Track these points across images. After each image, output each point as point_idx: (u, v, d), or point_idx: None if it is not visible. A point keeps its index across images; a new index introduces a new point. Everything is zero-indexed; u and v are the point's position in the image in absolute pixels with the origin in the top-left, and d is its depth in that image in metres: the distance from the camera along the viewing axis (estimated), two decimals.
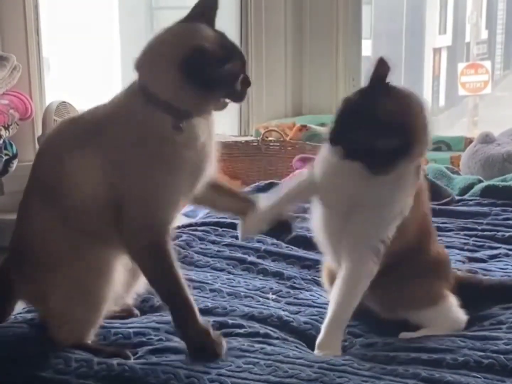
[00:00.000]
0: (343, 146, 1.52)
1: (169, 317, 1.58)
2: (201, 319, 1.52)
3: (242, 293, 1.87)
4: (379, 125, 1.48)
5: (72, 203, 1.51)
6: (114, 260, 1.55)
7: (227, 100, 1.55)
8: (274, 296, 1.89)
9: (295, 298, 1.84)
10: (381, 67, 1.54)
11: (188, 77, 1.47)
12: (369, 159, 1.49)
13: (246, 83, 1.53)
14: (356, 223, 1.61)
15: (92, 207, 1.51)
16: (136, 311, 1.75)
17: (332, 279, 1.74)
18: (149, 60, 1.52)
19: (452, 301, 1.72)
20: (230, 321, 1.69)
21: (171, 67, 1.48)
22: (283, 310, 1.79)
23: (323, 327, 1.60)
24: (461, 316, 1.71)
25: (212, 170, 1.60)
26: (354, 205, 1.59)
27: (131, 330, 1.62)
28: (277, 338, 1.60)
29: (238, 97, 1.55)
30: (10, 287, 1.58)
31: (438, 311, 1.69)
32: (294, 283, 1.97)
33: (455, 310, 1.71)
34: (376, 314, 1.74)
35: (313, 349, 1.59)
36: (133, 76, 1.55)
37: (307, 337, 1.66)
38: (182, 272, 1.54)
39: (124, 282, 1.60)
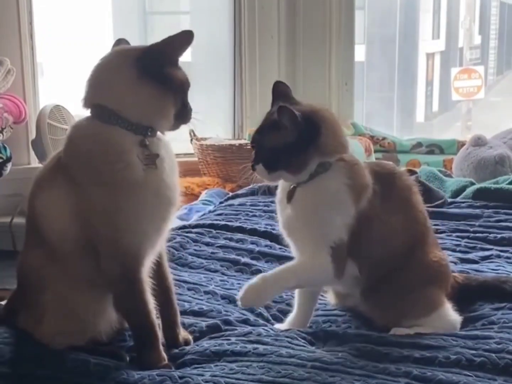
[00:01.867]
0: (263, 163, 1.64)
1: None
2: (161, 346, 1.52)
3: (236, 295, 1.87)
4: (278, 128, 1.61)
5: (51, 241, 1.50)
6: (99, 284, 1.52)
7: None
8: None
9: (287, 304, 1.85)
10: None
11: (144, 73, 1.44)
12: (282, 161, 1.62)
13: (189, 107, 1.54)
14: (300, 235, 1.66)
15: (68, 244, 1.49)
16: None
17: (338, 297, 1.85)
18: (100, 80, 1.49)
19: (448, 307, 1.71)
20: (223, 325, 1.70)
21: (125, 70, 1.46)
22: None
23: (260, 277, 1.61)
24: (456, 319, 1.71)
25: (179, 199, 1.57)
26: (293, 222, 1.66)
27: (126, 333, 1.63)
28: (269, 336, 1.60)
29: (188, 116, 1.54)
30: (15, 316, 1.59)
31: (434, 318, 1.69)
32: None
33: (450, 316, 1.71)
34: (373, 322, 1.74)
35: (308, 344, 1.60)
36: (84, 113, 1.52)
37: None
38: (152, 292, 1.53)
39: None
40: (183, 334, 1.63)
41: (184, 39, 1.50)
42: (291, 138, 1.60)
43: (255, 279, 1.60)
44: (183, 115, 1.53)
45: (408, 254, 1.70)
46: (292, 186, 1.67)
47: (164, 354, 1.52)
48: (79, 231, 1.47)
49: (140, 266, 1.49)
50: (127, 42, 1.56)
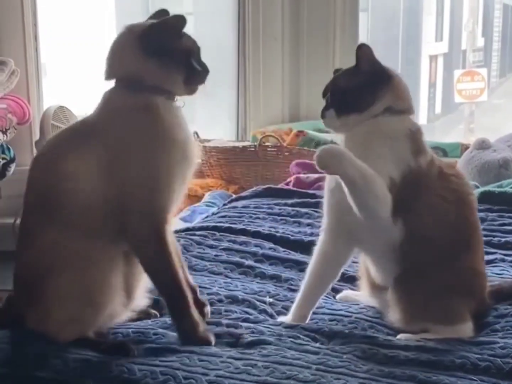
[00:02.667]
0: (334, 107, 1.71)
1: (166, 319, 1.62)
2: (194, 311, 1.58)
3: (240, 297, 1.87)
4: (353, 71, 1.71)
5: (72, 209, 1.52)
6: (116, 259, 1.56)
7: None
8: (271, 300, 1.90)
9: (291, 302, 1.84)
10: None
11: (147, 48, 1.59)
12: (353, 103, 1.69)
13: (206, 68, 1.66)
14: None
15: (93, 208, 1.52)
16: (154, 312, 1.75)
17: (372, 287, 1.82)
18: (115, 56, 1.64)
19: (468, 326, 1.69)
20: (225, 322, 1.69)
21: (132, 48, 1.60)
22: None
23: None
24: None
25: (198, 159, 1.68)
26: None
27: (130, 330, 1.63)
28: (272, 335, 1.60)
29: (198, 77, 1.65)
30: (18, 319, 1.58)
31: (449, 331, 1.67)
32: (291, 284, 1.98)
33: (465, 335, 1.67)
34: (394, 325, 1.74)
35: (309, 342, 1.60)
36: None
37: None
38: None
39: (128, 285, 1.61)
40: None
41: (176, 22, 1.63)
42: (365, 77, 1.68)
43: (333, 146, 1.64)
44: (191, 79, 1.65)
45: (451, 250, 1.69)
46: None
47: (201, 324, 1.57)
48: (112, 191, 1.53)
49: (166, 224, 1.57)
50: (167, 13, 1.68)
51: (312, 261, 1.78)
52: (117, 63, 1.64)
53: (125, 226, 1.54)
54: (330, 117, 1.72)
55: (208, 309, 1.74)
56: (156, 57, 1.59)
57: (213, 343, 1.55)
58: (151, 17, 1.69)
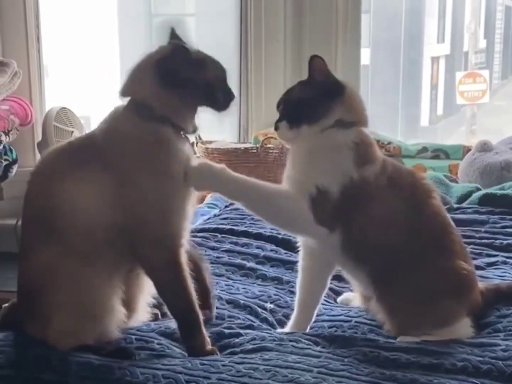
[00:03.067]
0: (286, 119, 1.71)
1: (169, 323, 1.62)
2: (204, 328, 1.58)
3: (241, 302, 1.87)
4: (305, 83, 1.72)
5: (71, 231, 1.50)
6: (116, 277, 1.56)
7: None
8: (272, 306, 1.90)
9: (292, 309, 1.84)
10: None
11: (162, 77, 1.54)
12: (305, 114, 1.68)
13: (230, 95, 1.62)
14: (292, 171, 1.69)
15: (94, 232, 1.50)
16: (156, 311, 1.76)
17: (362, 296, 1.86)
18: (133, 75, 1.59)
19: (464, 323, 1.70)
20: (227, 331, 1.69)
21: (148, 71, 1.55)
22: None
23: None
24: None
25: None
26: (288, 166, 1.72)
27: (133, 337, 1.63)
28: (273, 341, 1.60)
29: (220, 107, 1.61)
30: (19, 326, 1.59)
31: (446, 333, 1.67)
32: (293, 287, 1.97)
33: (465, 334, 1.68)
34: (384, 327, 1.74)
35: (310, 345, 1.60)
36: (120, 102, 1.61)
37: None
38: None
39: (130, 298, 1.61)
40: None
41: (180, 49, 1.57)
42: (317, 89, 1.68)
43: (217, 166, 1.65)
44: (216, 106, 1.61)
45: (422, 254, 1.69)
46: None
47: (208, 338, 1.58)
48: (116, 219, 1.50)
49: (180, 248, 1.56)
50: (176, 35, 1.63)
51: (298, 277, 1.80)
52: (133, 86, 1.58)
53: (138, 253, 1.54)
54: (283, 128, 1.72)
55: (213, 314, 1.75)
56: (173, 89, 1.55)
57: (218, 355, 1.56)
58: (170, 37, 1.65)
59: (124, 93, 1.59)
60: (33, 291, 1.55)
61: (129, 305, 1.61)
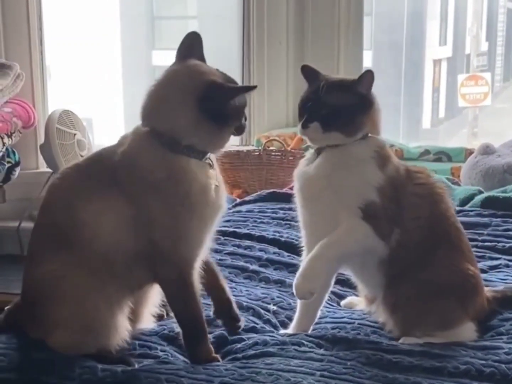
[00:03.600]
0: (320, 121, 1.69)
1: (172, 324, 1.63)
2: (209, 340, 1.61)
3: (245, 304, 1.87)
4: (347, 89, 1.70)
5: (85, 252, 1.52)
6: (122, 293, 1.57)
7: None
8: (275, 308, 1.90)
9: (295, 311, 1.83)
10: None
11: (205, 112, 1.51)
12: (342, 122, 1.68)
13: (246, 119, 1.61)
14: (332, 195, 1.68)
15: (109, 256, 1.52)
16: (161, 311, 1.77)
17: (366, 299, 1.86)
18: (161, 105, 1.55)
19: (468, 327, 1.70)
20: (230, 337, 1.70)
21: (187, 105, 1.52)
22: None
23: (305, 261, 1.67)
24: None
25: (226, 204, 1.66)
26: (325, 187, 1.69)
27: (136, 342, 1.64)
28: (275, 345, 1.60)
29: (241, 130, 1.61)
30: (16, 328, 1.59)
31: (449, 336, 1.67)
32: None
33: (468, 338, 1.68)
34: (387, 327, 1.75)
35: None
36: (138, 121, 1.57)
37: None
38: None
39: (134, 309, 1.63)
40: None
41: (246, 91, 1.59)
42: (358, 101, 1.69)
43: (302, 264, 1.67)
44: (238, 132, 1.61)
45: (433, 252, 1.69)
46: (316, 149, 1.74)
47: (211, 347, 1.60)
48: (133, 244, 1.53)
49: (192, 270, 1.58)
50: (199, 38, 1.62)
51: None
52: (164, 116, 1.54)
53: (152, 271, 1.57)
54: (314, 129, 1.70)
55: (241, 323, 1.76)
56: (212, 121, 1.53)
57: (220, 362, 1.57)
58: (184, 42, 1.62)
59: (149, 123, 1.55)
60: (37, 300, 1.55)
61: (134, 316, 1.62)
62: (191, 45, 1.61)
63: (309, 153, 1.79)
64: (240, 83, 3.84)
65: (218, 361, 1.57)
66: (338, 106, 1.69)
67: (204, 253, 1.63)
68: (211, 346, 1.60)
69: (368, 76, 1.69)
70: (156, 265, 1.56)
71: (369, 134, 1.72)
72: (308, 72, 1.78)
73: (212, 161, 1.60)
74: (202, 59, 1.61)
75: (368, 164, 1.69)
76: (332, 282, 1.81)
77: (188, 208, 1.52)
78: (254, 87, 1.58)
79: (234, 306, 1.76)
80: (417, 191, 1.72)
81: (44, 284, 1.53)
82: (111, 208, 1.51)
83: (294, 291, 1.65)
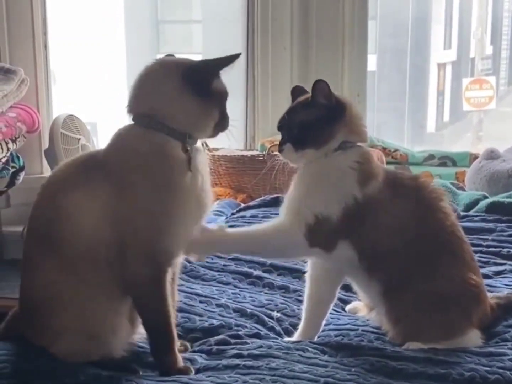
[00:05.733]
0: (291, 141, 1.71)
1: None
2: (177, 349, 1.56)
3: (248, 310, 1.87)
4: (309, 105, 1.70)
5: (73, 248, 1.49)
6: (119, 296, 1.54)
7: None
8: (279, 315, 1.90)
9: (299, 318, 1.84)
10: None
11: (189, 86, 1.51)
12: (310, 138, 1.69)
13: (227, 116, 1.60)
14: (294, 195, 1.71)
15: (94, 249, 1.49)
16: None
17: (368, 307, 1.87)
18: (145, 88, 1.55)
19: (471, 337, 1.69)
20: (233, 340, 1.70)
21: (172, 81, 1.52)
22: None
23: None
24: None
25: (211, 203, 1.62)
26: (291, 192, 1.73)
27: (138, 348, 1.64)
28: (280, 349, 1.60)
29: (224, 124, 1.60)
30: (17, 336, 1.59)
31: (453, 345, 1.66)
32: (300, 296, 1.97)
33: (473, 345, 1.67)
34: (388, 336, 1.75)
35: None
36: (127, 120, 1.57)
37: None
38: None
39: (132, 313, 1.59)
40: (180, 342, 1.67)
41: (230, 60, 1.56)
42: (322, 112, 1.69)
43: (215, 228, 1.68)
44: (222, 124, 1.60)
45: (431, 262, 1.69)
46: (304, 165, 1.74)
47: (180, 357, 1.55)
48: (114, 234, 1.48)
49: (168, 267, 1.53)
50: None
51: (306, 287, 1.80)
52: (145, 96, 1.55)
53: (125, 267, 1.50)
54: (288, 151, 1.73)
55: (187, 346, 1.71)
56: (199, 98, 1.53)
57: (192, 373, 1.53)
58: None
59: (134, 108, 1.56)
60: (35, 309, 1.54)
61: (135, 320, 1.60)
62: None
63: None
64: (244, 88, 3.88)
65: (190, 372, 1.53)
66: (302, 123, 1.70)
67: (181, 252, 1.58)
68: (179, 355, 1.56)
69: (320, 85, 1.68)
70: (131, 262, 1.49)
71: (352, 142, 1.71)
72: (297, 93, 1.79)
73: (196, 152, 1.57)
74: None
75: (346, 176, 1.68)
76: (337, 292, 1.81)
77: (169, 187, 1.49)
78: (237, 55, 1.56)
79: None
80: (400, 211, 1.69)
81: (38, 293, 1.52)
82: (95, 197, 1.48)
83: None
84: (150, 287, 1.52)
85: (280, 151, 1.75)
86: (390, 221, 1.68)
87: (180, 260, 1.62)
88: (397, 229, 1.68)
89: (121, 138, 1.55)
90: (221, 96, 1.58)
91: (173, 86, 1.52)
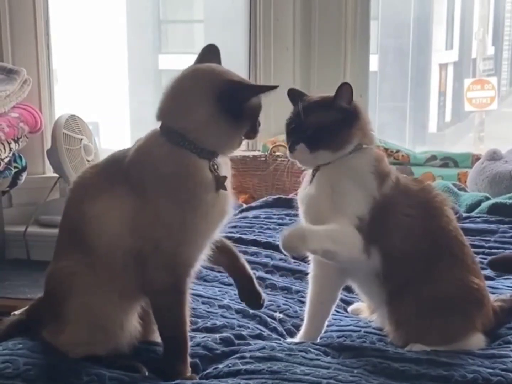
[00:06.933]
0: (306, 142, 1.68)
1: None
2: (188, 358, 1.57)
3: (251, 311, 1.87)
4: (327, 107, 1.69)
5: (94, 248, 1.52)
6: (132, 297, 1.56)
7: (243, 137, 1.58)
8: (281, 316, 1.90)
9: (301, 319, 1.84)
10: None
11: (222, 109, 1.49)
12: (327, 140, 1.68)
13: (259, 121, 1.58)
14: (321, 210, 1.68)
15: (115, 255, 1.51)
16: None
17: (370, 309, 1.85)
18: (178, 103, 1.53)
19: (473, 341, 1.69)
20: (237, 340, 1.69)
21: (204, 101, 1.49)
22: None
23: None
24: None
25: (233, 211, 1.63)
26: (328, 206, 1.68)
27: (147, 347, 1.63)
28: (282, 350, 1.60)
29: (255, 134, 1.58)
30: (37, 324, 1.60)
31: (459, 347, 1.66)
32: (302, 296, 1.97)
33: (476, 348, 1.67)
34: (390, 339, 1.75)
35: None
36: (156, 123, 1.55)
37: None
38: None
39: (146, 315, 1.61)
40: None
41: (269, 89, 1.54)
42: (341, 115, 1.68)
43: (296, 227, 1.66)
44: (249, 135, 1.58)
45: (434, 265, 1.69)
46: (313, 170, 1.73)
47: (189, 366, 1.56)
48: (132, 243, 1.50)
49: (188, 277, 1.55)
50: (216, 50, 1.61)
51: (309, 288, 1.79)
52: (178, 112, 1.52)
53: (145, 275, 1.52)
54: (301, 152, 1.70)
55: (264, 300, 1.72)
56: (232, 120, 1.51)
57: (196, 380, 1.55)
58: (202, 53, 1.61)
59: (163, 118, 1.54)
60: (51, 294, 1.57)
61: (149, 320, 1.61)
62: (209, 55, 1.60)
63: (308, 175, 1.77)
64: None
65: (195, 379, 1.54)
66: (321, 125, 1.68)
67: (202, 261, 1.60)
68: (189, 364, 1.56)
69: (345, 88, 1.68)
70: (152, 270, 1.52)
71: (363, 145, 1.71)
72: (295, 95, 1.78)
73: (221, 166, 1.56)
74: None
75: (367, 178, 1.68)
76: (339, 293, 1.81)
77: (194, 208, 1.50)
78: (275, 86, 1.54)
79: (255, 282, 1.72)
80: (409, 211, 1.70)
81: (56, 279, 1.55)
82: (116, 204, 1.50)
83: (281, 243, 1.62)
84: (168, 296, 1.54)
85: (291, 151, 1.72)
86: (402, 222, 1.68)
87: (198, 268, 1.62)
88: (408, 231, 1.68)
89: (148, 150, 1.53)
90: (255, 112, 1.55)
91: (207, 108, 1.50)
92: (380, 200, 1.66)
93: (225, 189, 1.54)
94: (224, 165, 1.58)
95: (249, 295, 1.71)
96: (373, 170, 1.69)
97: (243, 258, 1.74)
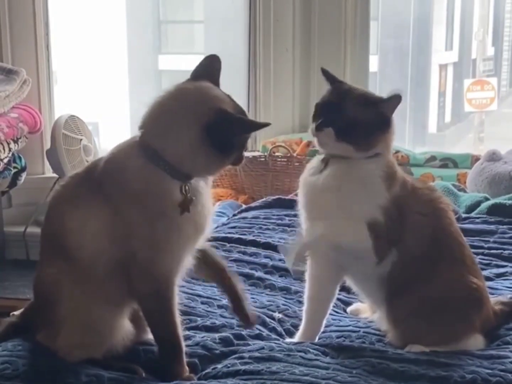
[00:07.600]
0: (336, 128, 1.67)
1: None
2: (184, 358, 1.56)
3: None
4: (368, 104, 1.68)
5: (76, 257, 1.51)
6: (121, 302, 1.57)
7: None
8: (280, 316, 1.90)
9: (300, 319, 1.83)
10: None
11: (210, 140, 1.45)
12: (357, 136, 1.67)
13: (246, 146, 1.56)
14: (338, 209, 1.69)
15: (97, 265, 1.51)
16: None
17: (372, 310, 1.86)
18: (163, 122, 1.49)
19: (472, 342, 1.69)
20: (236, 340, 1.69)
21: (190, 129, 1.45)
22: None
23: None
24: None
25: (211, 227, 1.61)
26: (332, 200, 1.69)
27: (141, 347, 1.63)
28: (281, 351, 1.60)
29: (240, 161, 1.56)
30: (31, 328, 1.60)
31: (458, 347, 1.66)
32: (301, 297, 1.97)
33: (475, 348, 1.67)
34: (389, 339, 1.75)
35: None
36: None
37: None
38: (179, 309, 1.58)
39: (137, 316, 1.61)
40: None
41: (259, 127, 1.52)
42: (378, 120, 1.68)
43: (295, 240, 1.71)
44: (235, 163, 1.55)
45: (435, 266, 1.69)
46: (324, 158, 1.73)
47: (186, 367, 1.56)
48: (114, 253, 1.50)
49: (171, 285, 1.53)
50: (217, 62, 1.56)
51: (306, 287, 1.79)
52: (162, 132, 1.48)
53: (127, 282, 1.52)
54: (327, 135, 1.68)
55: (253, 320, 1.72)
56: (217, 152, 1.47)
57: (194, 380, 1.55)
58: (202, 63, 1.56)
59: (145, 131, 1.50)
60: (43, 301, 1.57)
61: (140, 322, 1.61)
62: (209, 67, 1.55)
63: (316, 161, 1.77)
64: (245, 89, 3.87)
65: (193, 380, 1.54)
66: (357, 119, 1.67)
67: (185, 269, 1.58)
68: (186, 366, 1.56)
69: (397, 99, 1.66)
70: (134, 278, 1.51)
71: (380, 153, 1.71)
72: (328, 75, 1.77)
73: (196, 184, 1.54)
74: (217, 83, 1.55)
75: (376, 183, 1.68)
76: (337, 291, 1.81)
77: (165, 224, 1.48)
78: (267, 124, 1.50)
79: (245, 302, 1.70)
80: (420, 209, 1.71)
81: (43, 284, 1.55)
82: (94, 216, 1.49)
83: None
84: (154, 302, 1.54)
85: (317, 129, 1.69)
86: (418, 222, 1.69)
87: (183, 276, 1.61)
88: (422, 230, 1.70)
89: (121, 161, 1.51)
90: (242, 144, 1.53)
91: (191, 136, 1.46)
92: (392, 201, 1.67)
93: (189, 212, 1.49)
94: (202, 181, 1.55)
95: (238, 314, 1.71)
96: (382, 175, 1.69)
97: (235, 276, 1.73)
